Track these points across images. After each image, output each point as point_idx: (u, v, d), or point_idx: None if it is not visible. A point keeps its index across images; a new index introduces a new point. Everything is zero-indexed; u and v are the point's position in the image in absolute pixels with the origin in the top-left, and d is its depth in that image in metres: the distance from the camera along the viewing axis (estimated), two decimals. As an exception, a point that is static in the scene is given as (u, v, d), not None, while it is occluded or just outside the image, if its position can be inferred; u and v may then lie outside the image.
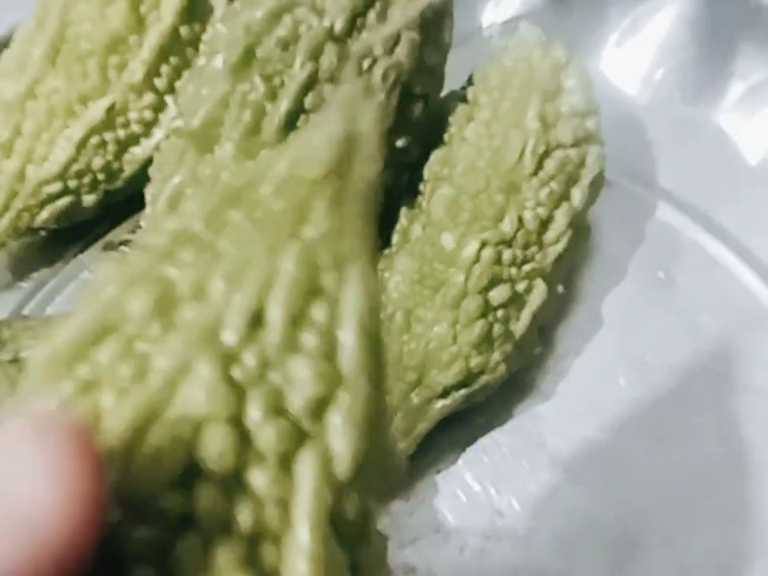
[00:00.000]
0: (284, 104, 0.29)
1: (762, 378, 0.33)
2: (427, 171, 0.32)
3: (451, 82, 0.34)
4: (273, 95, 0.29)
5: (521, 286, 0.30)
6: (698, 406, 0.32)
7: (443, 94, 0.34)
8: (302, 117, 0.29)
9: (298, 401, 0.13)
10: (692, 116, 0.38)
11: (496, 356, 0.30)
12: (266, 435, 0.13)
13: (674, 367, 0.33)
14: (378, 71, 0.29)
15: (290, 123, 0.29)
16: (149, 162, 0.33)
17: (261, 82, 0.29)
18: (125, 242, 0.33)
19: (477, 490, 0.31)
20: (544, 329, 0.33)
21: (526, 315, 0.31)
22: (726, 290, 0.35)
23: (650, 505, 0.31)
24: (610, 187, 0.35)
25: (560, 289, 0.32)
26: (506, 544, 0.30)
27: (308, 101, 0.29)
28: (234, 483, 0.13)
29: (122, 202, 0.36)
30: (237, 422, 0.13)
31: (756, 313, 0.34)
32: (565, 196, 0.31)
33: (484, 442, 0.32)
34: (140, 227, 0.32)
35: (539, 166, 0.30)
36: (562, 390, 0.33)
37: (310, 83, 0.29)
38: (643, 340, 0.34)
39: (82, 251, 0.37)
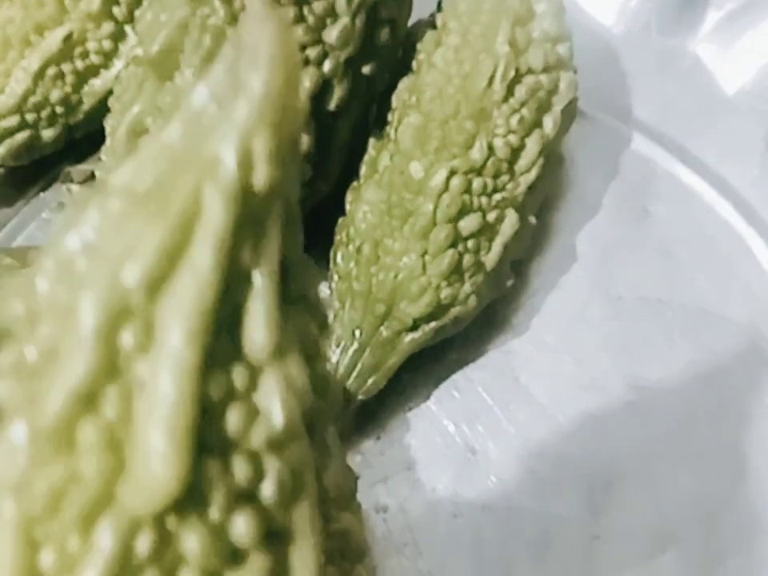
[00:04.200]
0: (245, 28, 0.28)
1: (737, 310, 0.32)
2: (395, 99, 0.31)
3: (420, 12, 0.33)
4: (234, 18, 0.28)
5: (491, 216, 0.30)
6: (674, 341, 0.32)
7: (412, 23, 0.33)
8: (264, 41, 0.28)
9: None
10: (668, 46, 0.37)
11: (467, 287, 0.30)
12: None
13: (650, 301, 0.33)
14: (341, -7, 0.28)
15: (251, 48, 0.28)
16: (109, 94, 0.32)
17: (221, 6, 0.28)
18: (83, 178, 0.32)
19: (449, 428, 0.31)
20: (517, 263, 0.32)
21: (497, 246, 0.30)
22: (703, 222, 0.34)
23: (626, 443, 0.30)
24: (584, 119, 0.35)
25: (532, 220, 0.31)
26: (480, 482, 0.30)
27: (270, 24, 0.28)
28: None
29: (84, 138, 0.35)
30: None
31: (733, 245, 0.34)
32: (536, 123, 0.30)
33: (456, 378, 0.32)
34: (100, 160, 0.31)
35: (509, 92, 0.30)
36: (535, 325, 0.33)
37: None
38: (618, 274, 0.33)
39: (43, 189, 0.36)
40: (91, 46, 0.33)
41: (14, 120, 0.33)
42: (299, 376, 0.13)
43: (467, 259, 0.29)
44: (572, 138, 0.33)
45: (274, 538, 0.13)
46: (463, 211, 0.29)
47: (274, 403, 0.13)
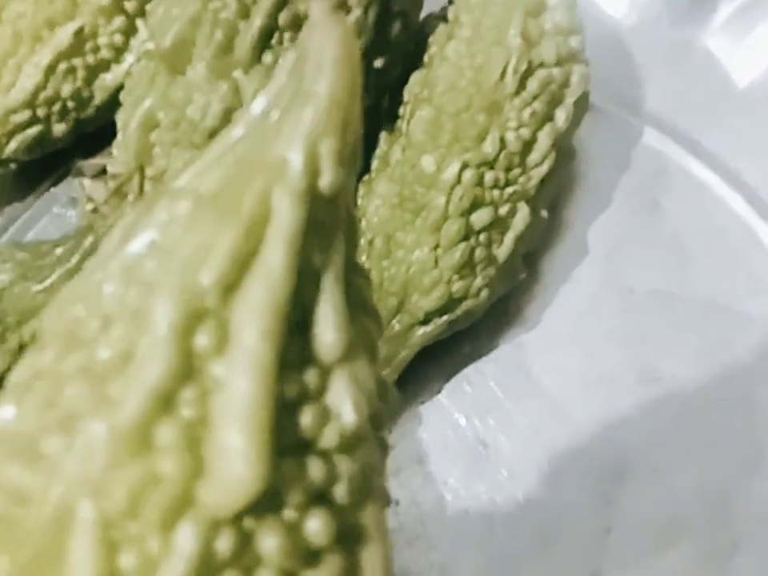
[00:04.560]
0: (257, 21, 0.28)
1: (749, 303, 0.32)
2: (407, 93, 0.31)
3: (432, 5, 0.33)
4: (245, 12, 0.28)
5: (503, 209, 0.30)
6: (685, 334, 0.32)
7: (423, 16, 0.33)
8: (276, 34, 0.28)
9: None
10: (680, 38, 0.37)
11: (478, 281, 0.30)
12: None
13: (661, 294, 0.33)
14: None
15: (262, 41, 0.28)
16: (120, 89, 0.32)
17: (233, 0, 0.28)
18: (95, 172, 0.32)
19: (461, 421, 0.31)
20: (528, 255, 0.32)
21: (509, 239, 0.30)
22: (714, 215, 0.34)
23: (636, 435, 0.30)
24: (595, 112, 0.34)
25: (544, 213, 0.31)
26: (491, 476, 0.30)
27: (282, 17, 0.28)
28: None
29: (95, 133, 0.35)
30: None
31: (744, 238, 0.33)
32: (548, 116, 0.30)
33: (468, 371, 0.32)
34: (112, 155, 0.31)
35: (522, 85, 0.30)
36: (546, 318, 0.33)
37: (284, -1, 0.28)
38: (629, 267, 0.33)
39: (54, 184, 0.36)
40: (102, 40, 0.33)
41: (25, 115, 0.33)
42: (368, 378, 0.13)
43: (479, 253, 0.29)
44: (583, 131, 0.33)
45: (347, 538, 0.13)
46: (475, 205, 0.29)
47: (345, 404, 0.13)
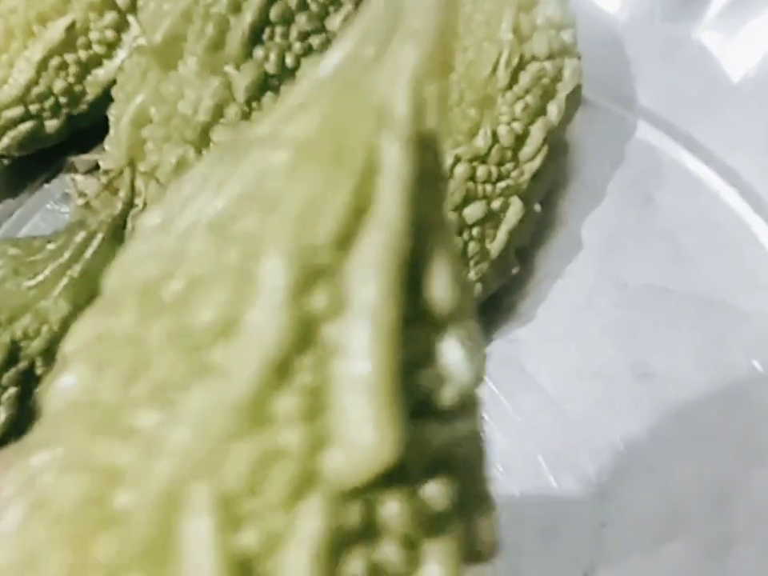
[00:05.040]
0: (248, 16, 0.28)
1: (744, 298, 0.32)
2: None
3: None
4: (236, 7, 0.28)
5: (496, 204, 0.30)
6: (680, 329, 0.32)
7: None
8: (267, 30, 0.28)
9: None
10: (673, 33, 0.37)
11: (471, 275, 0.30)
12: None
13: (655, 289, 0.33)
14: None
15: (254, 36, 0.28)
16: (112, 84, 0.32)
17: (224, -6, 0.28)
18: (88, 168, 0.32)
19: (456, 417, 0.31)
20: (522, 250, 0.32)
21: (502, 233, 0.30)
22: (709, 209, 0.34)
23: (633, 431, 0.30)
24: (588, 107, 0.34)
25: (537, 208, 0.31)
26: (486, 471, 0.30)
27: (273, 12, 0.28)
28: None
29: (88, 129, 0.35)
30: None
31: (739, 233, 0.33)
32: (541, 111, 0.30)
33: (462, 367, 0.31)
34: (104, 150, 0.31)
35: (514, 79, 0.30)
36: (540, 313, 0.32)
37: (275, -6, 0.28)
38: (624, 262, 0.33)
39: (47, 180, 0.36)
40: (94, 35, 0.33)
41: (17, 111, 0.33)
42: (477, 335, 0.12)
43: (472, 247, 0.29)
44: (576, 126, 0.33)
45: (465, 504, 0.12)
46: (468, 199, 0.29)
47: (462, 363, 0.12)
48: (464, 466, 0.12)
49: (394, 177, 0.11)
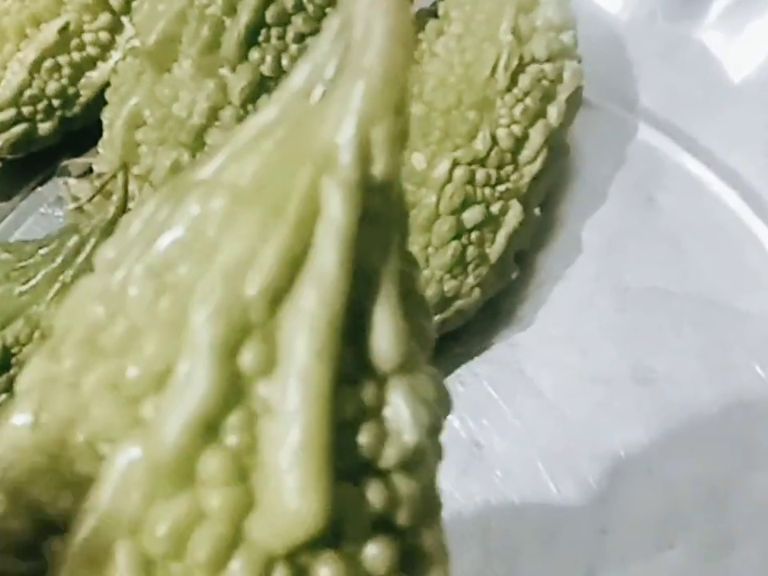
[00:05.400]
0: (243, 17, 0.28)
1: (746, 300, 0.32)
2: (397, 89, 0.31)
3: (422, 1, 0.33)
4: (232, 9, 0.28)
5: (495, 207, 0.29)
6: (682, 331, 0.32)
7: (413, 11, 0.32)
8: (263, 31, 0.28)
9: None
10: (674, 34, 0.37)
11: (470, 280, 0.29)
12: None
13: (657, 292, 0.32)
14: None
15: (250, 38, 0.28)
16: (106, 86, 0.32)
17: (219, -5, 0.28)
18: (81, 172, 0.32)
19: (454, 422, 0.30)
20: (522, 254, 0.32)
21: (501, 237, 0.30)
22: (710, 211, 0.34)
23: (633, 435, 0.30)
24: (589, 108, 0.34)
25: (537, 211, 0.31)
26: (486, 476, 0.29)
27: (269, 14, 0.28)
28: None
29: (81, 131, 0.34)
30: None
31: (740, 235, 0.33)
32: (540, 113, 0.30)
33: (461, 372, 0.31)
34: (98, 153, 0.31)
35: (513, 81, 0.29)
36: (540, 317, 0.32)
37: (271, -5, 0.28)
38: (625, 265, 0.33)
39: (41, 183, 0.36)
40: (88, 37, 0.33)
41: (10, 113, 0.33)
42: (427, 386, 0.12)
43: (471, 251, 0.29)
44: (577, 128, 0.33)
45: (408, 565, 0.12)
46: (466, 203, 0.29)
47: (405, 420, 0.11)
48: (407, 525, 0.12)
49: (334, 226, 0.11)
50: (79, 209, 0.28)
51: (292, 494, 0.10)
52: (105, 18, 0.32)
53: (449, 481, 0.29)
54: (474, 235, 0.29)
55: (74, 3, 0.32)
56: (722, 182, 0.34)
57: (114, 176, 0.27)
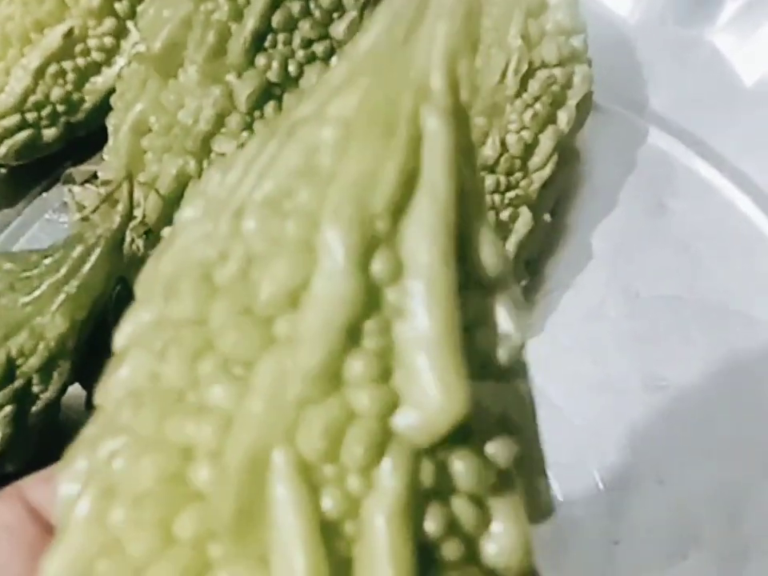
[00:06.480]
0: (250, 23, 0.27)
1: (759, 307, 0.32)
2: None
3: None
4: (238, 14, 0.28)
5: (505, 214, 0.29)
6: (693, 338, 0.31)
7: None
8: (269, 37, 0.28)
9: None
10: (685, 36, 0.37)
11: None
12: None
13: (667, 298, 0.32)
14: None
15: (256, 44, 0.28)
16: (111, 92, 0.32)
17: (225, 1, 0.28)
18: (85, 179, 0.31)
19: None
20: (532, 261, 0.32)
21: (510, 244, 0.29)
22: (722, 216, 0.33)
23: (644, 444, 0.30)
24: (599, 112, 0.34)
25: (547, 218, 0.31)
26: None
27: (275, 19, 0.28)
28: None
29: (86, 137, 0.34)
30: None
31: (752, 240, 0.33)
32: (550, 119, 0.30)
33: (471, 380, 0.31)
34: (103, 160, 0.31)
35: (522, 86, 0.29)
36: (550, 325, 0.32)
37: (277, 0, 0.27)
38: (635, 271, 0.33)
39: (46, 189, 0.36)
40: (92, 42, 0.32)
41: (14, 119, 0.32)
42: (520, 298, 0.13)
43: (480, 259, 0.29)
44: (587, 132, 0.33)
45: (524, 466, 0.13)
46: (476, 210, 0.29)
47: (511, 325, 0.12)
48: (520, 426, 0.13)
49: (437, 147, 0.12)
50: (84, 218, 0.28)
51: (435, 388, 0.11)
52: (110, 23, 0.32)
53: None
54: (483, 243, 0.29)
55: (78, 8, 0.32)
56: (734, 186, 0.34)
57: (120, 184, 0.27)
